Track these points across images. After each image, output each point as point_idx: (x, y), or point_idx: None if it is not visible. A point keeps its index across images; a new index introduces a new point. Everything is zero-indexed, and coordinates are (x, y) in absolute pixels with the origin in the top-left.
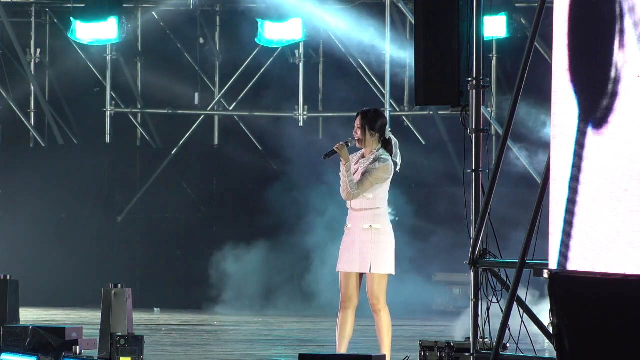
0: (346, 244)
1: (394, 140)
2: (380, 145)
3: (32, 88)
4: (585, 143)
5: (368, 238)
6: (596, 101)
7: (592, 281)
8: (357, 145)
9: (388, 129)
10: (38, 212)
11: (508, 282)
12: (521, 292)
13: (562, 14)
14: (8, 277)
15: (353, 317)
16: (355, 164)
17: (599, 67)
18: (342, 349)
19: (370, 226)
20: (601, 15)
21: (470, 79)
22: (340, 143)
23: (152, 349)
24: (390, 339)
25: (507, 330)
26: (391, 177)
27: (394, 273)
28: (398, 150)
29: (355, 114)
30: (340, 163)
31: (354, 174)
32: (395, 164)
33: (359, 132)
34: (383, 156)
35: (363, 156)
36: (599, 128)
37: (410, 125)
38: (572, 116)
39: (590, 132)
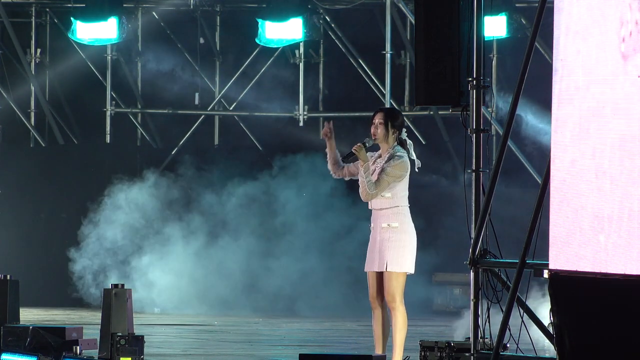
0: (370, 244)
1: (409, 142)
2: (396, 144)
3: (32, 88)
4: None
5: (386, 236)
6: None
7: (592, 281)
8: (376, 142)
9: (404, 130)
10: (38, 212)
11: (508, 282)
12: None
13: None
14: (8, 277)
15: (384, 316)
16: (373, 163)
17: None
18: (378, 349)
19: (389, 225)
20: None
21: (470, 79)
22: (358, 144)
23: (152, 349)
24: (403, 338)
25: (507, 330)
26: (408, 173)
27: (412, 272)
28: (413, 152)
29: (372, 112)
30: (358, 164)
31: (372, 174)
32: (413, 162)
33: (380, 129)
34: (398, 153)
35: (380, 156)
36: None
37: (410, 125)
38: None
39: None
